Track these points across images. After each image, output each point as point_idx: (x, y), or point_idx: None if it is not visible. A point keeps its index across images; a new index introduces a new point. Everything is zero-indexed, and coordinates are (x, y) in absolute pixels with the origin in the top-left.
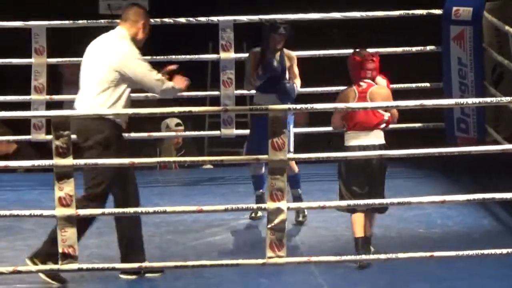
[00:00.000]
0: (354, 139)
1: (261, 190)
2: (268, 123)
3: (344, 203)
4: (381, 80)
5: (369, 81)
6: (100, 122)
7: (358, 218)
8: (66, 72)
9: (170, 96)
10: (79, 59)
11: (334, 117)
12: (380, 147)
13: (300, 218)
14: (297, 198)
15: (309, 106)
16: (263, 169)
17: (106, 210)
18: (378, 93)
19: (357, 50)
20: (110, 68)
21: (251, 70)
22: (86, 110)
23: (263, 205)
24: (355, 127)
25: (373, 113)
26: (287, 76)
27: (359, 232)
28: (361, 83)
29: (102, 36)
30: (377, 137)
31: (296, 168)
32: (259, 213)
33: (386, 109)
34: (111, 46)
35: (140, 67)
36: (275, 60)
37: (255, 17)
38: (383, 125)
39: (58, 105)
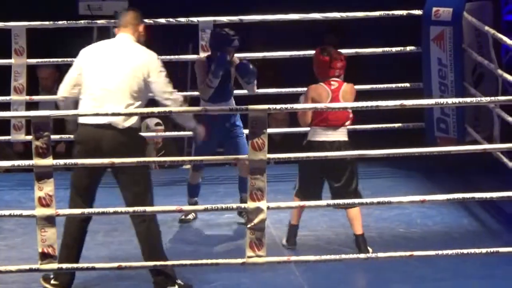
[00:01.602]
0: (322, 134)
1: (195, 199)
2: (212, 128)
3: (323, 202)
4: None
5: (337, 79)
6: (137, 138)
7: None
8: (41, 79)
9: (181, 121)
10: (57, 59)
11: (306, 114)
12: (345, 143)
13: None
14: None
15: (289, 106)
16: (200, 179)
17: (86, 210)
18: (349, 91)
19: (324, 48)
20: (139, 77)
21: (202, 77)
22: (122, 123)
23: (243, 205)
24: (323, 123)
25: (343, 112)
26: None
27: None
28: (332, 82)
29: (106, 43)
30: (343, 134)
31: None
32: (190, 216)
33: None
34: (133, 53)
35: (164, 75)
36: (227, 55)
37: (235, 18)
38: (348, 123)
39: (36, 105)
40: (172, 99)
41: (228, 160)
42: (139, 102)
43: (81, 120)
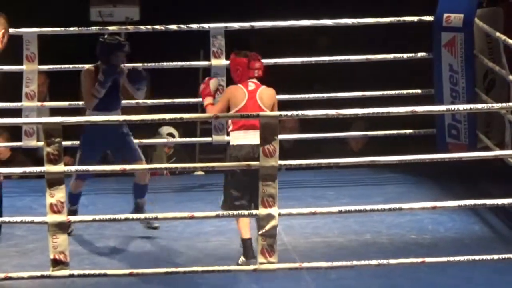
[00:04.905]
0: (244, 138)
1: (76, 206)
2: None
3: (335, 209)
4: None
5: (255, 81)
6: None
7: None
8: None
9: None
10: (69, 66)
11: (213, 108)
12: None
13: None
14: (139, 209)
15: (300, 113)
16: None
17: (97, 217)
18: (267, 93)
19: (238, 51)
20: None
21: (88, 86)
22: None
23: (254, 211)
24: (244, 127)
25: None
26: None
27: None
28: (250, 83)
29: None
30: None
31: (147, 179)
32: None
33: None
34: None
35: None
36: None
37: (246, 24)
38: None
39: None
40: None
41: (240, 167)
42: None
43: None
